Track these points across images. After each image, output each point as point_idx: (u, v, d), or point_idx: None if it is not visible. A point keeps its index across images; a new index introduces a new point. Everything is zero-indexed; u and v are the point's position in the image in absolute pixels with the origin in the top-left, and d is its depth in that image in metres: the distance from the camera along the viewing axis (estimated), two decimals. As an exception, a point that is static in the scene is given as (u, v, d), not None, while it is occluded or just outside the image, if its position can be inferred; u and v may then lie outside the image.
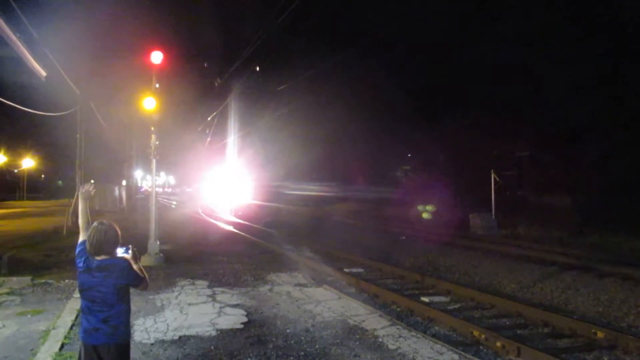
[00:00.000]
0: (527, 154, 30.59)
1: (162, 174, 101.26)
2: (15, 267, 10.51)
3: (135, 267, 3.50)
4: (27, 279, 9.39)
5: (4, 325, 6.57)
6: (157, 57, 11.65)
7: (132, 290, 3.55)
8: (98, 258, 3.38)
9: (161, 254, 12.03)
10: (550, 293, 9.36)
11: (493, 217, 19.70)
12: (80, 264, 3.40)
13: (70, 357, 5.30)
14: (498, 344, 6.15)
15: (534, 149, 30.23)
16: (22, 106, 16.26)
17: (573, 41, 25.38)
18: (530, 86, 28.35)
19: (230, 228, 21.59)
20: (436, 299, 8.89)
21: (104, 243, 3.38)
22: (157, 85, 12.07)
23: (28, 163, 60.24)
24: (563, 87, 26.74)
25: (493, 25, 30.82)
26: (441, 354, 5.64)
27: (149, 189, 17.31)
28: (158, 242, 12.16)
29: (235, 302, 7.94)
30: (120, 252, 3.47)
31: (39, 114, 18.33)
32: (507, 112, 29.10)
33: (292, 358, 5.52)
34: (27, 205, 45.81)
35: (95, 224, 3.47)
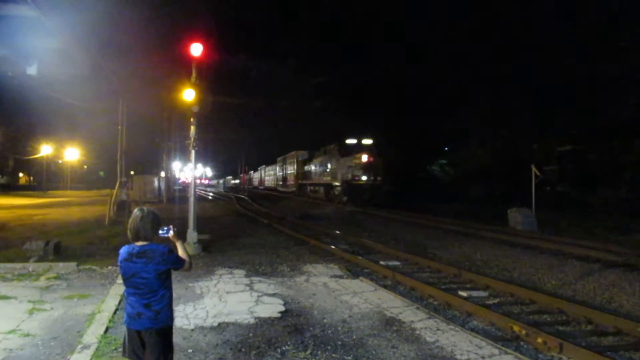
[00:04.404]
0: (569, 149, 29.78)
1: (199, 165, 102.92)
2: (62, 253, 10.88)
3: (179, 247, 3.58)
4: (72, 265, 9.72)
5: (52, 308, 6.83)
6: (196, 49, 11.77)
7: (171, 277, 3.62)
8: (138, 244, 3.48)
9: (200, 244, 12.26)
10: (593, 290, 9.09)
11: (533, 212, 19.21)
12: (122, 255, 3.49)
13: (114, 339, 5.46)
14: (539, 339, 6.02)
15: (576, 143, 29.44)
16: (65, 98, 16.74)
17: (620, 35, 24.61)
18: (574, 79, 27.65)
19: (267, 220, 21.77)
20: (474, 293, 8.75)
21: (141, 228, 3.47)
22: (196, 77, 12.21)
23: (71, 154, 62.24)
24: (607, 80, 25.94)
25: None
26: (480, 347, 5.56)
27: (187, 180, 17.61)
28: (196, 232, 12.39)
29: (272, 292, 8.02)
30: (160, 233, 3.55)
31: (84, 106, 18.84)
32: (549, 105, 28.45)
33: (329, 347, 5.54)
34: (70, 195, 47.32)
35: (135, 210, 3.59)
